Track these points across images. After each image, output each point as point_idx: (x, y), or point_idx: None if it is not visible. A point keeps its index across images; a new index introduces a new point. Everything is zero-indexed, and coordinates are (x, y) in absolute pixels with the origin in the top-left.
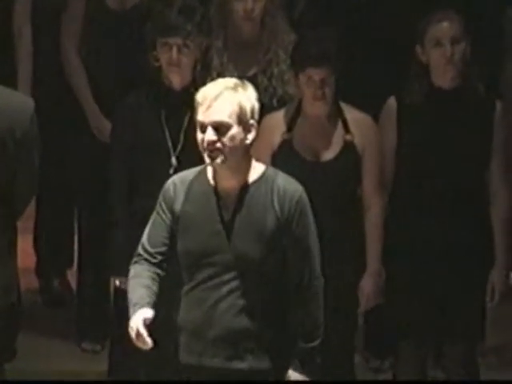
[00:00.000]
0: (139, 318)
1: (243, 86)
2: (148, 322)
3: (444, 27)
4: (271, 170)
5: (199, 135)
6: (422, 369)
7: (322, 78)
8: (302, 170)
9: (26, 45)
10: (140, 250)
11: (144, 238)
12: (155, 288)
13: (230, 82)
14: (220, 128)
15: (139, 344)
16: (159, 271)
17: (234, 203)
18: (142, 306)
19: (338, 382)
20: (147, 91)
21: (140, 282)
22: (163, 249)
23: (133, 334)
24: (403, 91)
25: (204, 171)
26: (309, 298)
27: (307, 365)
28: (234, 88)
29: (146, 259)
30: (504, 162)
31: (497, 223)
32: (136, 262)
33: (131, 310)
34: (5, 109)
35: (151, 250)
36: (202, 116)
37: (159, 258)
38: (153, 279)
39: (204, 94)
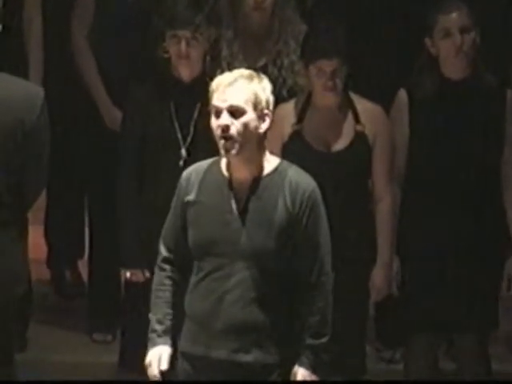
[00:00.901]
0: (155, 362)
1: (258, 78)
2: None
3: (453, 17)
4: (285, 163)
5: (214, 121)
6: (433, 360)
7: (333, 70)
8: (312, 160)
9: (37, 35)
10: (161, 246)
11: (163, 233)
12: (175, 299)
13: (246, 71)
14: (235, 113)
15: (149, 374)
16: (179, 275)
17: (246, 195)
18: (160, 336)
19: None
20: (157, 83)
21: (162, 297)
22: (181, 243)
23: (148, 368)
24: (413, 84)
25: (218, 162)
26: (317, 295)
27: (314, 361)
28: (250, 77)
29: (166, 259)
30: None
31: (511, 212)
32: (160, 268)
33: (150, 334)
34: (15, 98)
35: (171, 247)
36: (216, 101)
37: (178, 254)
38: (174, 285)
39: (219, 81)
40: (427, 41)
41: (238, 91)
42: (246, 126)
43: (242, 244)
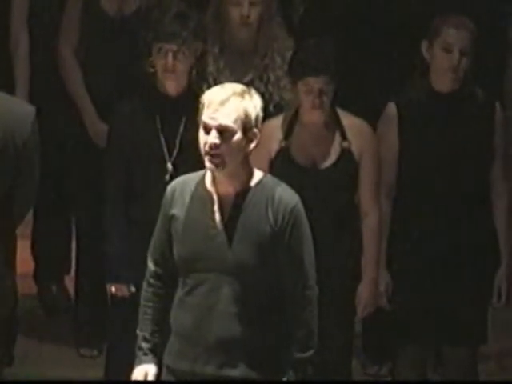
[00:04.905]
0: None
1: (250, 94)
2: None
3: (459, 35)
4: (269, 177)
5: (202, 136)
6: (421, 373)
7: (321, 87)
8: (299, 177)
9: (23, 51)
10: (149, 260)
11: (151, 247)
12: (162, 315)
13: (238, 87)
14: (224, 132)
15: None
16: (167, 290)
17: (229, 209)
18: (146, 355)
19: (336, 381)
20: (143, 97)
21: (149, 314)
22: (167, 256)
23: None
24: (402, 97)
25: (203, 176)
26: (302, 308)
27: (301, 374)
28: (242, 94)
29: (154, 273)
30: (505, 162)
31: (500, 224)
32: (148, 283)
33: (137, 352)
34: (6, 116)
35: (158, 260)
36: (207, 118)
37: (165, 267)
38: (161, 302)
39: (211, 97)
40: (424, 43)
41: (229, 111)
42: (234, 146)
43: (226, 259)
